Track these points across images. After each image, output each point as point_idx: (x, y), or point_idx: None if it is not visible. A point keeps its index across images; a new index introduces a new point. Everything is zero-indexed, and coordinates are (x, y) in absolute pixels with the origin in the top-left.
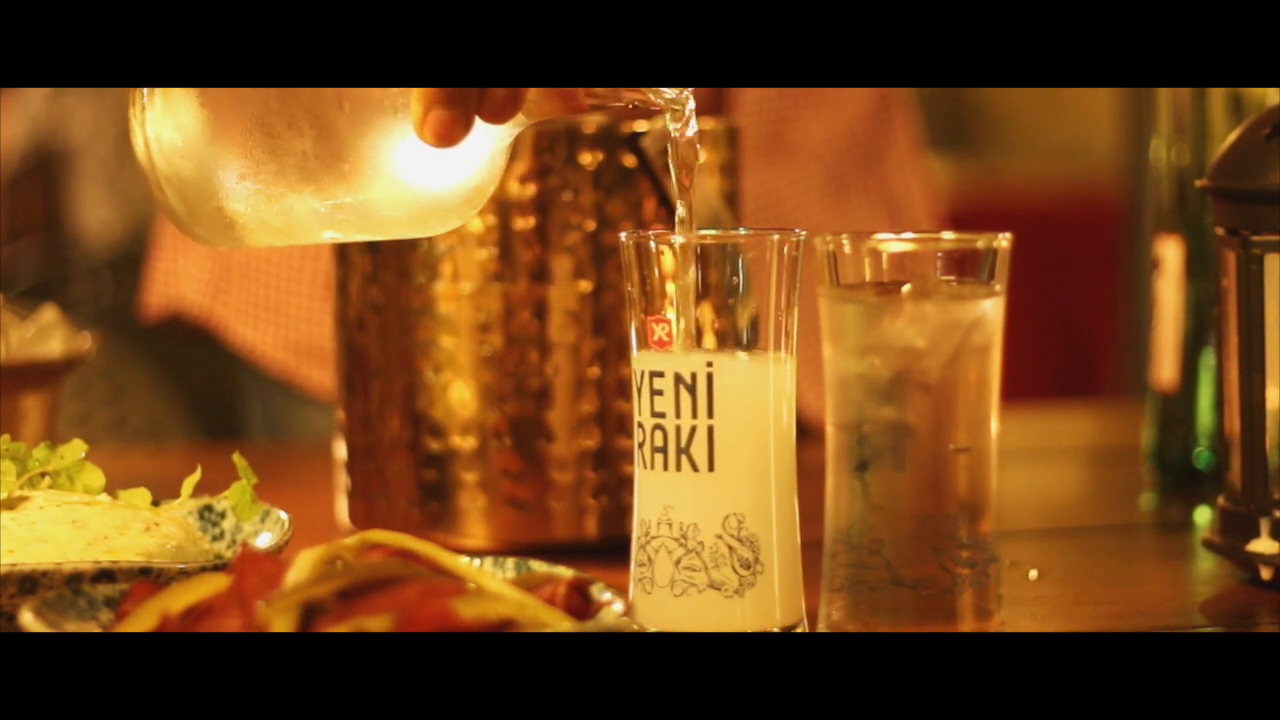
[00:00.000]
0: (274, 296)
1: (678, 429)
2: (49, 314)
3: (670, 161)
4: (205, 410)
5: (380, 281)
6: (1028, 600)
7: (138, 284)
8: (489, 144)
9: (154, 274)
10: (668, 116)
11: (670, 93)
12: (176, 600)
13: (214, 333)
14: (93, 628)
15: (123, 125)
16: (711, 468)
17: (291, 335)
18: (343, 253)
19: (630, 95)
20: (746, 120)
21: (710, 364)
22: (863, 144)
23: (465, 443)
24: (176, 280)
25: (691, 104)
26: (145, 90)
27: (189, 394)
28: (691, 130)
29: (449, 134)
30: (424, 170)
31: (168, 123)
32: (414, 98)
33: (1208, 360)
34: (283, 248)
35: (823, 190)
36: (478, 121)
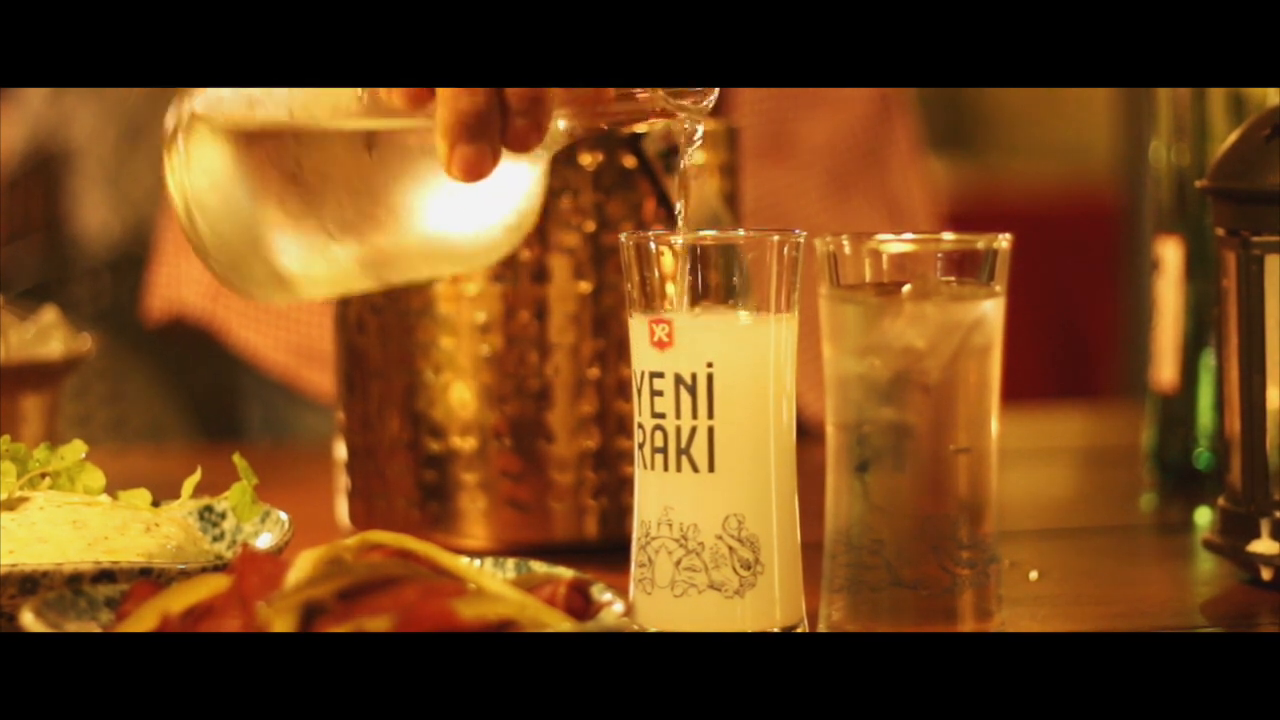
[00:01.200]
0: None
1: (678, 429)
2: (49, 315)
3: (676, 179)
4: (205, 411)
5: None
6: (1028, 601)
7: (138, 285)
8: (522, 171)
9: (156, 277)
10: (681, 139)
11: (687, 100)
12: (177, 601)
13: (215, 336)
14: (93, 628)
15: (123, 126)
16: (712, 468)
17: (293, 338)
18: None
19: (649, 106)
20: (746, 120)
21: (710, 364)
22: (863, 144)
23: (465, 443)
24: (179, 283)
25: (700, 132)
26: (178, 151)
27: (189, 395)
28: (693, 151)
29: (477, 168)
30: (461, 206)
31: (207, 192)
32: (438, 136)
33: (1208, 361)
34: None
35: (823, 191)
36: (505, 151)
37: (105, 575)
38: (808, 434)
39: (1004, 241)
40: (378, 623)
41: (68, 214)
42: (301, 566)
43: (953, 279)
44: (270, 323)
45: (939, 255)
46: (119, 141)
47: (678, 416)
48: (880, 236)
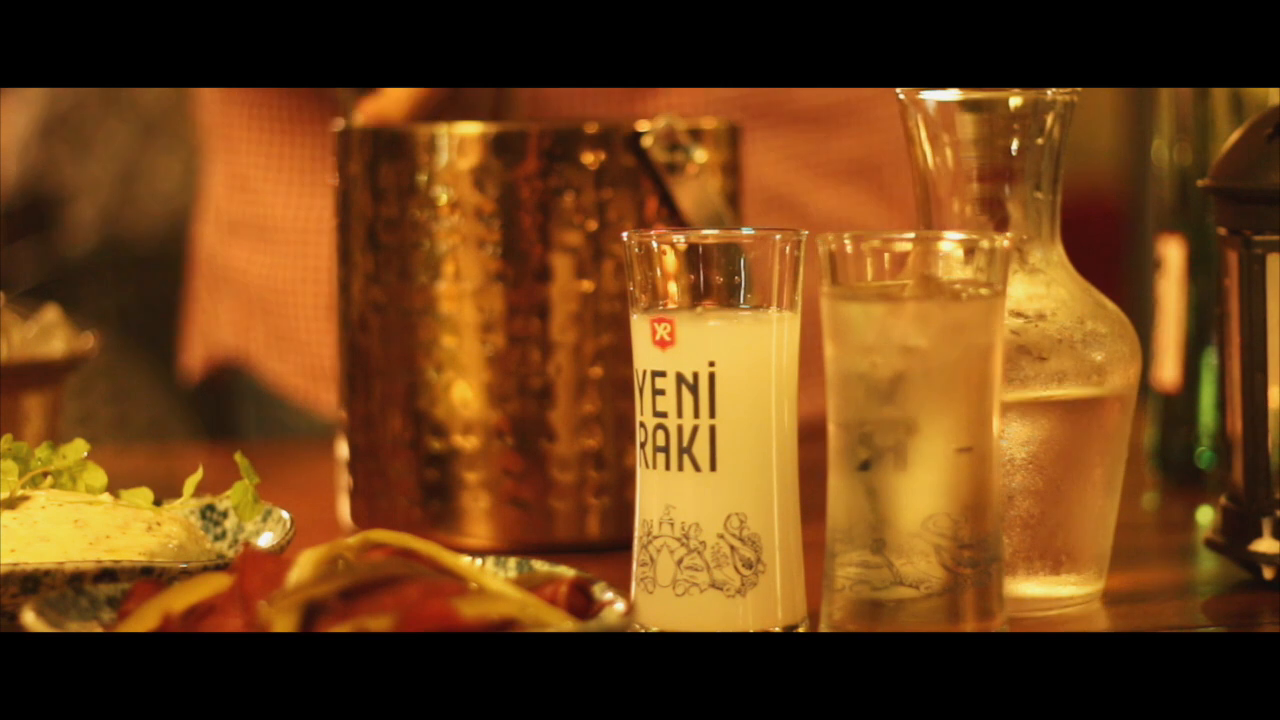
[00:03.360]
0: (288, 324)
1: (680, 428)
2: (51, 313)
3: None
4: (207, 410)
5: (382, 281)
6: None
7: (139, 284)
8: None
9: (192, 331)
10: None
11: None
12: (178, 600)
13: (249, 372)
14: (94, 627)
15: (127, 126)
16: (713, 467)
17: (306, 361)
18: (345, 253)
19: None
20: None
21: (712, 363)
22: (852, 104)
23: (467, 442)
24: (216, 326)
25: None
26: None
27: (191, 393)
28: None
29: None
30: None
31: None
32: None
33: (1210, 360)
34: (290, 272)
35: (807, 159)
36: None
37: (107, 574)
38: (808, 433)
39: (1005, 241)
40: (379, 622)
41: (71, 212)
42: (303, 565)
43: (954, 278)
44: (290, 349)
45: (941, 254)
46: (122, 139)
47: (679, 415)
48: (881, 235)
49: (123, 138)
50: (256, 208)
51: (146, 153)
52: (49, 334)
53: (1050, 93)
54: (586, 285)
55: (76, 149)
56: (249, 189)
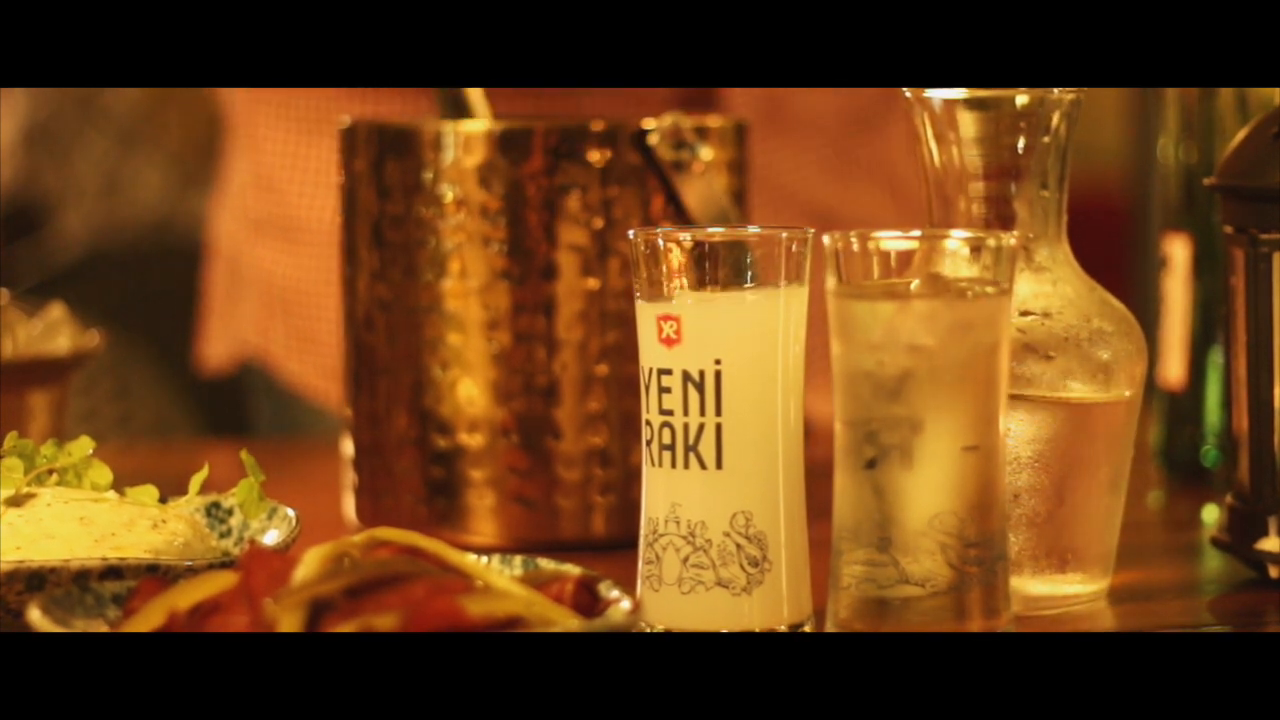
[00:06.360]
0: (308, 325)
1: (685, 426)
2: (56, 310)
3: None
4: (212, 407)
5: (388, 279)
6: None
7: (145, 281)
8: None
9: (213, 323)
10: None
11: None
12: (184, 597)
13: (267, 370)
14: (100, 625)
15: (123, 126)
16: (719, 465)
17: (326, 361)
18: (350, 250)
19: None
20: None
21: (718, 361)
22: (864, 114)
23: (473, 440)
24: (238, 325)
25: None
26: None
27: (195, 390)
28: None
29: None
30: None
31: None
32: None
33: (1216, 358)
34: (313, 273)
35: (822, 163)
36: None
37: (112, 572)
38: (813, 433)
39: (1011, 239)
40: (385, 620)
41: (73, 210)
42: (309, 563)
43: (961, 276)
44: (309, 350)
45: (947, 252)
46: (119, 137)
47: (685, 413)
48: (888, 234)
49: (101, 147)
50: (281, 208)
51: (127, 159)
52: (54, 331)
53: (1056, 91)
54: (592, 283)
55: (57, 156)
56: (274, 189)
